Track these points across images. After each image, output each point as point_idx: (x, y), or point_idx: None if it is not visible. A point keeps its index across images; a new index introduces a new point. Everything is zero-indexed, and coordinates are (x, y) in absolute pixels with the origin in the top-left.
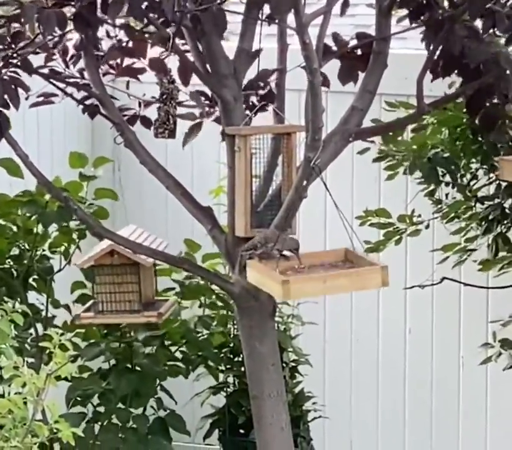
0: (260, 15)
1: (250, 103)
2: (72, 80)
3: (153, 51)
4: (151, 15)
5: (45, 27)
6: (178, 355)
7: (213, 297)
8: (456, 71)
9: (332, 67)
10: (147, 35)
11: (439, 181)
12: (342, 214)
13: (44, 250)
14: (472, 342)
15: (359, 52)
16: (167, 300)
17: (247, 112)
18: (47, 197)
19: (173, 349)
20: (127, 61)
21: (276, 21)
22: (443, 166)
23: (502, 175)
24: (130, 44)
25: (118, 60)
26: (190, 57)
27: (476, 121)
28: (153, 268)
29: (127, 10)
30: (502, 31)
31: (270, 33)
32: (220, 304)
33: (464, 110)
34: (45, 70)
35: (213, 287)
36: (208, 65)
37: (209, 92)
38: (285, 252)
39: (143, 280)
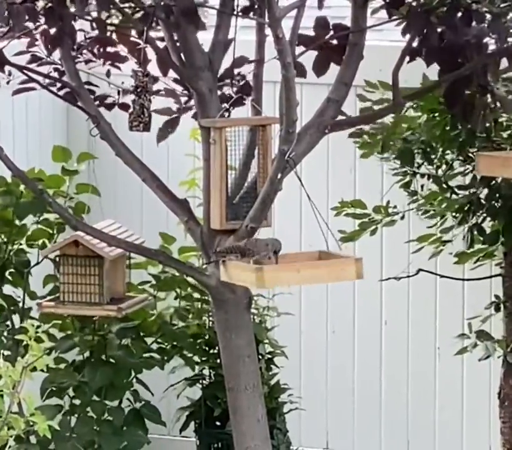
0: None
1: (227, 95)
2: (50, 68)
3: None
4: (127, 10)
5: (16, 22)
6: (154, 346)
7: (189, 289)
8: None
9: (307, 59)
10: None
11: (414, 167)
12: (315, 207)
13: (21, 243)
14: (449, 333)
15: (335, 42)
16: (137, 297)
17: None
18: (22, 187)
19: (148, 341)
20: (110, 49)
21: (251, 14)
22: (418, 147)
23: (478, 170)
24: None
25: (101, 49)
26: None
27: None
28: (125, 262)
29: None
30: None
31: (247, 25)
32: (196, 295)
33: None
34: (27, 56)
35: (189, 279)
36: (183, 57)
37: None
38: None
39: (110, 273)
